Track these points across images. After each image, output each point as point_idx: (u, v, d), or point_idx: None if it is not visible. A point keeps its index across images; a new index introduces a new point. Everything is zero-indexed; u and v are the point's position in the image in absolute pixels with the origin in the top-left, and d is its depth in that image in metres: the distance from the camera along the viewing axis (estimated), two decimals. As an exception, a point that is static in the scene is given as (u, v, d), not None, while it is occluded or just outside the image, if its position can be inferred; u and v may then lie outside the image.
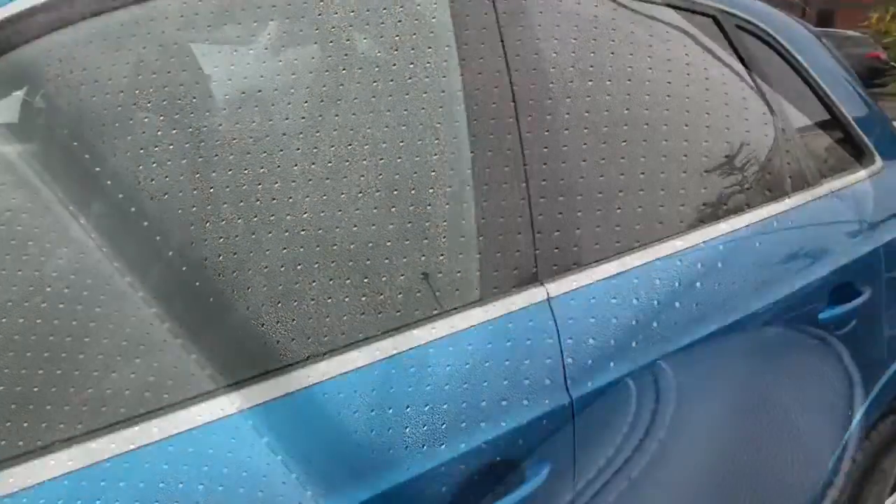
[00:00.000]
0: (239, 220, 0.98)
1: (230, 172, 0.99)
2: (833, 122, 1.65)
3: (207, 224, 0.97)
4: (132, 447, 0.87)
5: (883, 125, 1.77)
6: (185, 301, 0.96)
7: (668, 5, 1.37)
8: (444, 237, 1.06)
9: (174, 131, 0.99)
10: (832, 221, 1.55)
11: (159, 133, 0.98)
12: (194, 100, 1.00)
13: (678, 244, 1.24)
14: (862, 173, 1.64)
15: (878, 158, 1.69)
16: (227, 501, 0.88)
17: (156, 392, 0.90)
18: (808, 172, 1.50)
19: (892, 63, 12.24)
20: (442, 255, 1.05)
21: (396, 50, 1.09)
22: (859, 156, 1.68)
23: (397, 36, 1.09)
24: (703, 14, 1.43)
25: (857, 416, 1.57)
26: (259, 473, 0.90)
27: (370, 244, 1.02)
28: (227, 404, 0.92)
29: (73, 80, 0.95)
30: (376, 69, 1.08)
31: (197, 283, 0.96)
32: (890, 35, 12.60)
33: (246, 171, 1.00)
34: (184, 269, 0.97)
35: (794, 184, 1.46)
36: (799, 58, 1.60)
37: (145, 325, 0.92)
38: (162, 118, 0.99)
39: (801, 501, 1.52)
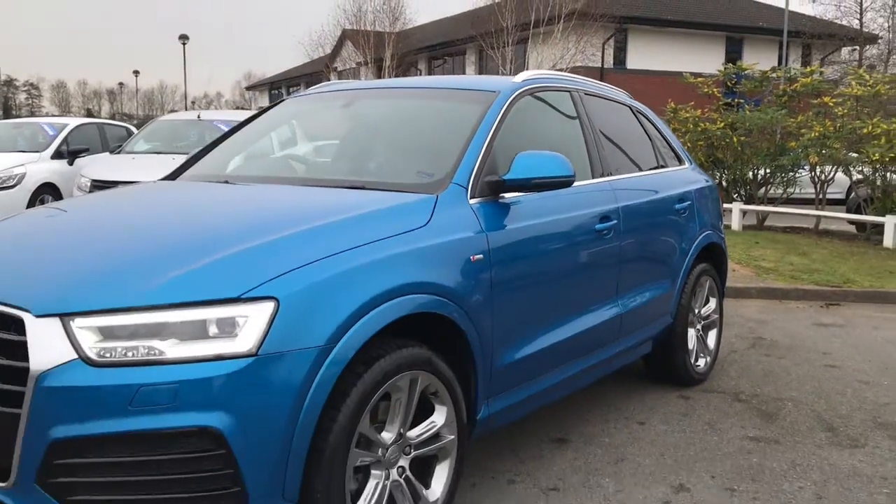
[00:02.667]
0: None
1: None
2: (672, 148, 4.70)
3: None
4: None
5: (684, 150, 4.86)
6: None
7: (618, 102, 4.37)
8: None
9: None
10: (678, 178, 4.58)
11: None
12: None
13: (636, 176, 4.15)
14: (683, 166, 4.71)
15: (686, 162, 4.76)
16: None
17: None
18: (668, 163, 4.52)
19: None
20: None
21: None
22: (680, 161, 4.74)
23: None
24: (628, 107, 4.45)
25: (688, 256, 4.50)
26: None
27: None
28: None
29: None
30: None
31: None
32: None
33: None
34: None
35: (662, 166, 4.46)
36: (654, 122, 4.66)
37: None
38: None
39: (668, 291, 4.37)
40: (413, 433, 2.65)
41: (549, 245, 3.33)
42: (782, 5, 26.49)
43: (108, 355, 2.14)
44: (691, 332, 4.64)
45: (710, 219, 4.84)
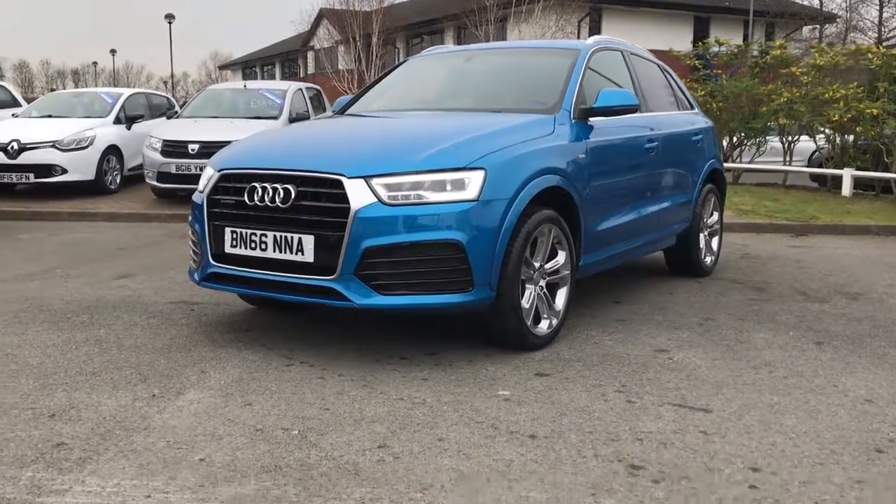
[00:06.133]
0: None
1: None
2: (686, 97, 6.25)
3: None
4: None
5: (694, 99, 6.42)
6: None
7: (650, 60, 5.90)
8: None
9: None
10: (692, 118, 6.17)
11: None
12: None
13: (665, 114, 5.69)
14: (694, 110, 6.28)
15: (696, 108, 6.34)
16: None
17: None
18: (684, 107, 6.06)
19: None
20: None
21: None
22: (692, 107, 6.30)
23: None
24: (656, 65, 5.99)
25: (700, 176, 6.06)
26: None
27: None
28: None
29: None
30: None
31: None
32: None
33: None
34: None
35: (681, 109, 6.01)
36: (673, 77, 6.20)
37: None
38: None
39: (688, 200, 5.92)
40: (547, 266, 4.18)
41: (619, 154, 4.91)
42: (748, -14, 28.32)
43: (394, 200, 3.63)
44: (701, 236, 6.21)
45: (714, 151, 6.42)
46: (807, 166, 14.67)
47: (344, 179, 3.67)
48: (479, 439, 2.89)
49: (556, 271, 4.26)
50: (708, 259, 6.36)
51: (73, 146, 10.81)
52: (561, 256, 4.27)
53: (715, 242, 6.53)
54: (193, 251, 4.28)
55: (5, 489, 2.48)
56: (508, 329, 3.94)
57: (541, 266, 4.14)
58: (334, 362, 3.80)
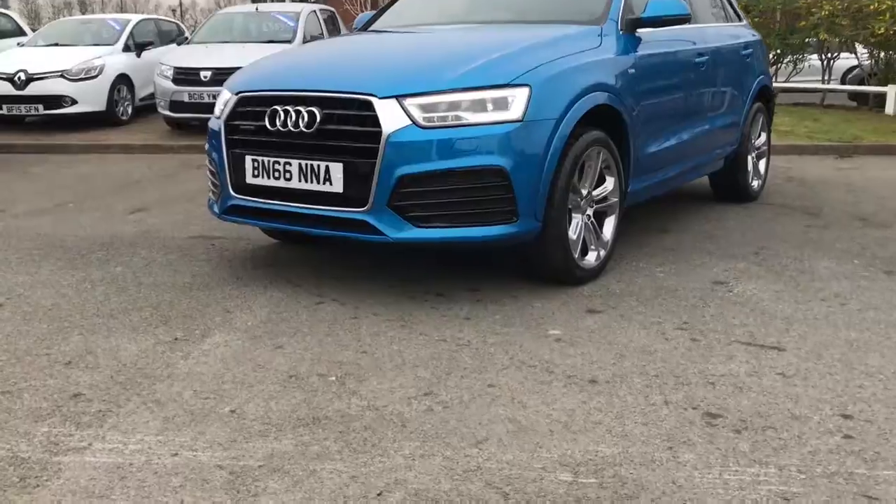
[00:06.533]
0: None
1: None
2: (734, 8, 5.76)
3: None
4: None
5: (735, 8, 5.92)
6: None
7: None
8: None
9: None
10: (741, 31, 5.69)
11: None
12: None
13: (715, 26, 5.24)
14: (742, 23, 5.80)
15: (744, 20, 5.85)
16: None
17: None
18: (732, 19, 5.59)
19: None
20: None
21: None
22: (740, 18, 5.82)
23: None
24: None
25: (750, 94, 5.62)
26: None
27: None
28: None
29: None
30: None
31: None
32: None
33: None
34: None
35: (729, 21, 5.54)
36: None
37: None
38: None
39: (737, 120, 5.51)
40: (595, 192, 3.85)
41: (669, 69, 4.51)
42: None
43: (430, 122, 3.29)
44: (749, 158, 5.82)
45: (763, 67, 5.97)
46: (840, 84, 14.01)
47: (374, 100, 3.32)
48: (533, 385, 2.62)
49: (604, 199, 3.92)
50: (755, 183, 5.97)
51: (81, 76, 10.43)
52: (609, 182, 3.93)
53: (762, 165, 6.13)
54: (212, 182, 3.97)
55: (20, 447, 2.25)
56: (555, 262, 3.64)
57: (588, 193, 3.80)
58: (367, 300, 3.53)
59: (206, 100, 9.60)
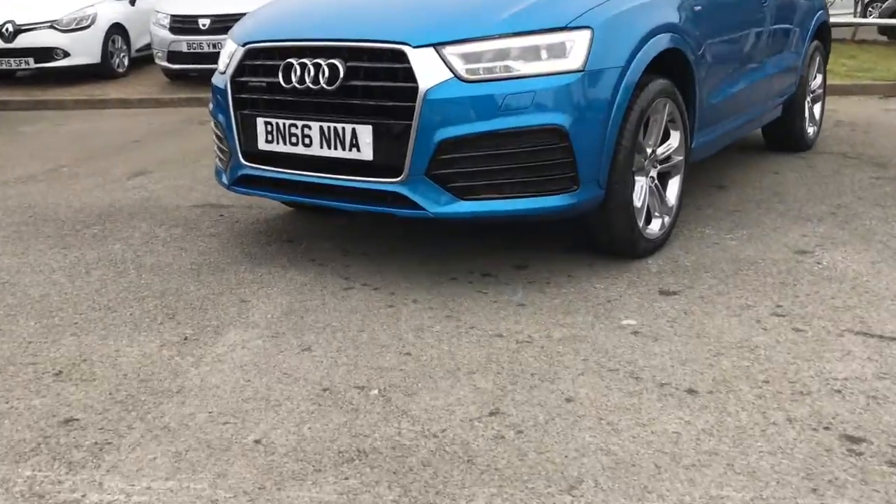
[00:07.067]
0: None
1: None
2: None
3: None
4: None
5: None
6: None
7: None
8: None
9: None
10: None
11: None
12: None
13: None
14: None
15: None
16: None
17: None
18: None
19: None
20: None
21: None
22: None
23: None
24: None
25: (809, 32, 5.03)
26: None
27: None
28: None
29: None
30: None
31: None
32: None
33: None
34: None
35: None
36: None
37: None
38: None
39: (796, 62, 4.92)
40: (659, 150, 3.33)
41: (733, 5, 3.96)
42: None
43: (475, 74, 2.77)
44: (805, 103, 5.27)
45: (822, 1, 5.36)
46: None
47: (408, 50, 2.79)
48: (620, 398, 2.16)
49: (668, 158, 3.42)
50: (811, 130, 5.41)
51: (73, 26, 9.80)
52: (674, 138, 3.41)
53: (817, 110, 5.57)
54: (219, 147, 3.47)
55: (-3, 496, 1.82)
56: (617, 234, 3.15)
57: (652, 152, 3.30)
58: (402, 283, 3.06)
59: (207, 49, 9.01)
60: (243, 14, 8.26)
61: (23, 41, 9.62)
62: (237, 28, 3.44)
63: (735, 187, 4.43)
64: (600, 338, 2.54)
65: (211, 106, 3.46)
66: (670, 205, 3.44)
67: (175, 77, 9.70)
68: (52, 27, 9.69)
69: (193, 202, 4.43)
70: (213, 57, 9.83)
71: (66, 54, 9.72)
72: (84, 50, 9.87)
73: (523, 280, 3.06)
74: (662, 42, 3.18)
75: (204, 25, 9.06)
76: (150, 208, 4.33)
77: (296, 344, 2.56)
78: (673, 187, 3.47)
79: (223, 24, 9.01)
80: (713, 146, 3.97)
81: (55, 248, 3.66)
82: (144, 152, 6.03)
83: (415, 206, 2.85)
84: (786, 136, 5.26)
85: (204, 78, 9.87)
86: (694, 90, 3.49)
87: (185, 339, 2.64)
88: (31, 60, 9.69)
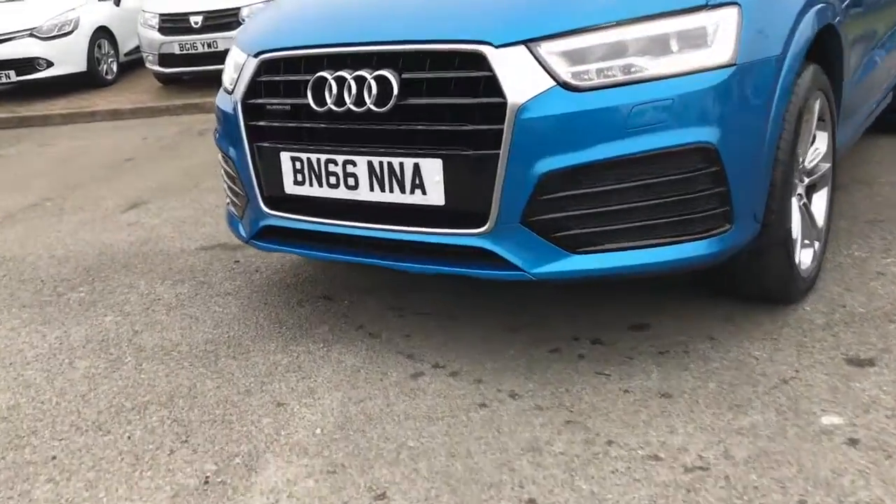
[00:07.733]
0: None
1: None
2: None
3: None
4: None
5: None
6: None
7: None
8: None
9: None
10: None
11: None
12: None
13: None
14: None
15: None
16: None
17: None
18: None
19: None
20: None
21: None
22: None
23: None
24: None
25: None
26: None
27: None
28: None
29: None
30: None
31: None
32: None
33: None
34: None
35: None
36: None
37: None
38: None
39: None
40: (806, 160, 2.54)
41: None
42: None
43: (584, 79, 1.97)
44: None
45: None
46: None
47: (489, 51, 1.98)
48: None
49: (815, 167, 2.63)
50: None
51: (55, 32, 8.99)
52: (821, 141, 2.61)
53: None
54: (230, 189, 2.68)
55: None
56: (772, 276, 2.35)
57: (802, 163, 2.51)
58: (487, 363, 2.27)
59: (201, 49, 8.24)
60: (238, 9, 7.36)
61: (1, 52, 8.83)
62: (246, 33, 2.62)
63: (857, 186, 3.62)
64: (804, 456, 1.75)
65: (216, 135, 2.67)
66: (819, 226, 2.64)
67: (168, 81, 8.90)
68: (31, 35, 8.89)
69: (201, 242, 3.65)
70: (208, 58, 9.14)
71: (50, 64, 8.92)
72: (68, 58, 9.07)
73: (650, 349, 2.28)
74: (819, 19, 2.37)
75: (196, 23, 8.25)
76: (149, 254, 3.55)
77: (364, 487, 1.79)
78: (820, 203, 2.67)
79: (217, 20, 8.22)
80: (848, 145, 3.16)
81: (32, 326, 2.89)
82: (139, 175, 5.25)
83: (507, 265, 2.06)
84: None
85: (199, 81, 9.15)
86: (841, 77, 2.70)
87: (206, 481, 1.87)
88: (11, 73, 8.89)
